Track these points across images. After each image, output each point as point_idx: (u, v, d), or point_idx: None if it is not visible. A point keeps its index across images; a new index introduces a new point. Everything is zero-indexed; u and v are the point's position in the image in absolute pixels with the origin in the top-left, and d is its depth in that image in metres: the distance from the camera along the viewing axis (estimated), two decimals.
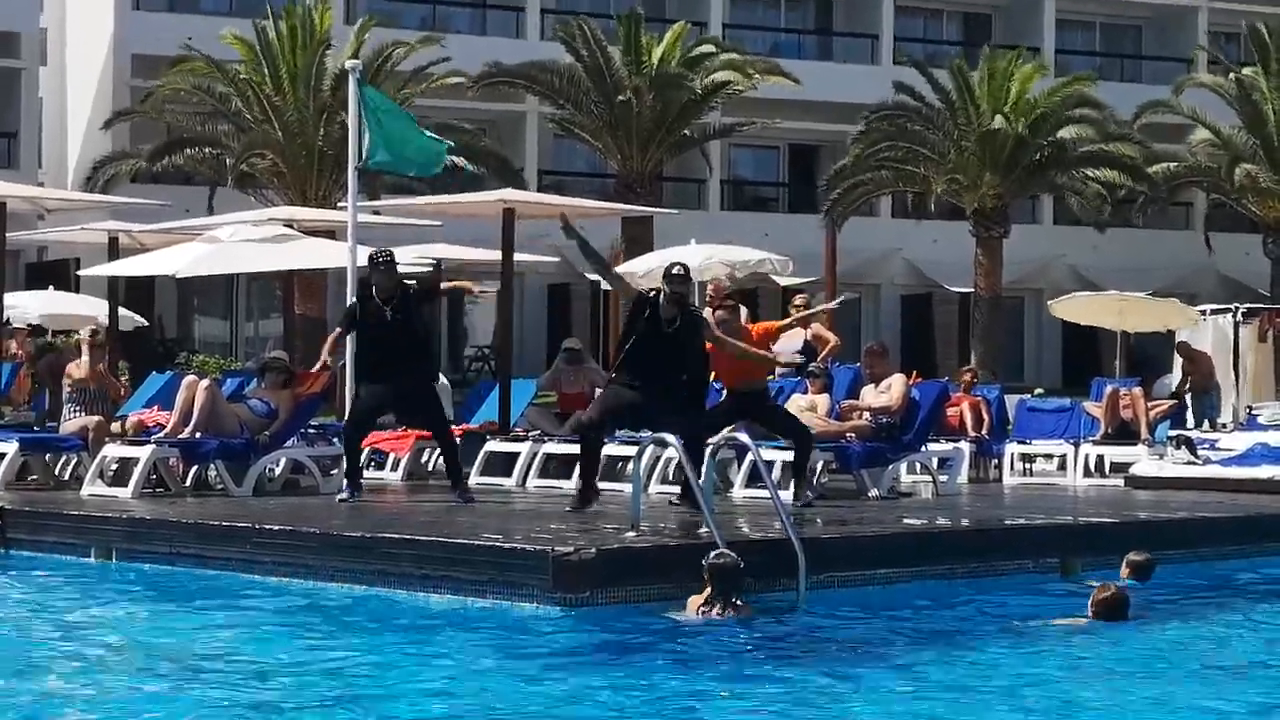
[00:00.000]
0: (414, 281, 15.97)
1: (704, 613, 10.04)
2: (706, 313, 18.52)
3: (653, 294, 13.46)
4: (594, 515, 13.08)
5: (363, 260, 16.19)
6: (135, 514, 13.21)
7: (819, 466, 15.71)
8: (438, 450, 18.92)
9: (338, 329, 14.72)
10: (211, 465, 15.63)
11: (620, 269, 23.76)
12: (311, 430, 17.69)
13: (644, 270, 23.50)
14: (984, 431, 20.18)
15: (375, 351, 14.22)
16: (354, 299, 14.88)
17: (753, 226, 38.90)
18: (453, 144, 16.95)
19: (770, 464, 14.62)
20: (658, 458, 15.76)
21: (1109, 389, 20.46)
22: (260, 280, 35.22)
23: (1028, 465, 20.86)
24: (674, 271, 13.51)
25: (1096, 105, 36.86)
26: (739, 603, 10.13)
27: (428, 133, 16.61)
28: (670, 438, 12.32)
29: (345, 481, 14.44)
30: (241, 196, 33.00)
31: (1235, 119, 39.33)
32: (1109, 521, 13.90)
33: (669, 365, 13.21)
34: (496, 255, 19.12)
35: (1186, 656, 9.70)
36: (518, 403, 18.10)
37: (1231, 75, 39.58)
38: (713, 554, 10.26)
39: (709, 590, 10.09)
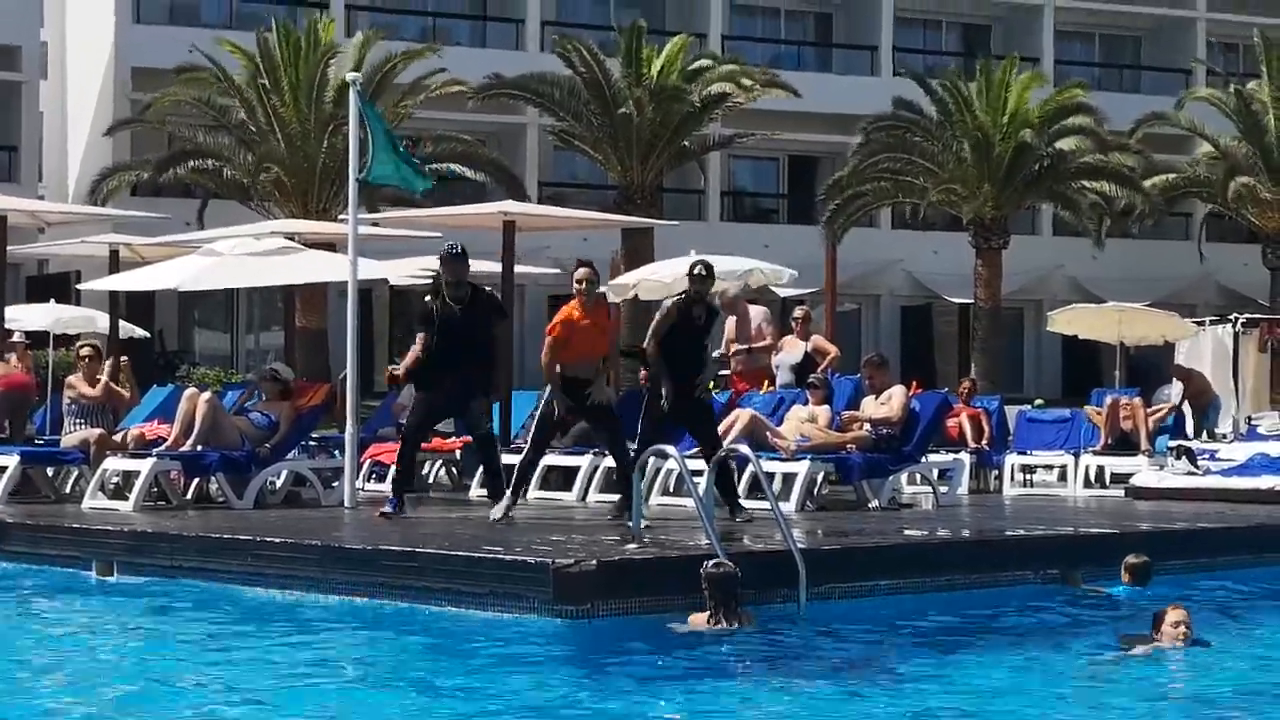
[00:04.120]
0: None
1: (711, 624, 10.04)
2: (730, 323, 18.71)
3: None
4: (595, 527, 13.12)
5: (364, 273, 16.19)
6: (136, 527, 13.21)
7: (819, 478, 15.73)
8: (439, 462, 19.03)
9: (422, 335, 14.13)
10: (213, 478, 15.63)
11: (617, 281, 23.82)
12: (312, 442, 17.72)
13: (634, 280, 23.55)
14: (984, 442, 20.19)
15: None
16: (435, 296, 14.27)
17: (752, 237, 38.91)
18: (434, 180, 16.76)
19: (771, 475, 14.66)
20: (658, 470, 15.78)
21: (1109, 399, 20.47)
22: (261, 293, 35.24)
23: (1028, 476, 20.86)
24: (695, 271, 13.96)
25: (1092, 112, 36.85)
26: (741, 611, 10.13)
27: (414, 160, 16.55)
28: (670, 449, 12.38)
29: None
30: (240, 209, 33.03)
31: (1234, 130, 39.38)
32: (1110, 532, 13.90)
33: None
34: (497, 267, 19.16)
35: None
36: (519, 414, 18.11)
37: (1232, 87, 39.65)
38: (709, 564, 10.27)
39: (709, 601, 10.09)
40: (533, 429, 14.60)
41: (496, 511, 13.58)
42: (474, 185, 34.36)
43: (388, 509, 13.98)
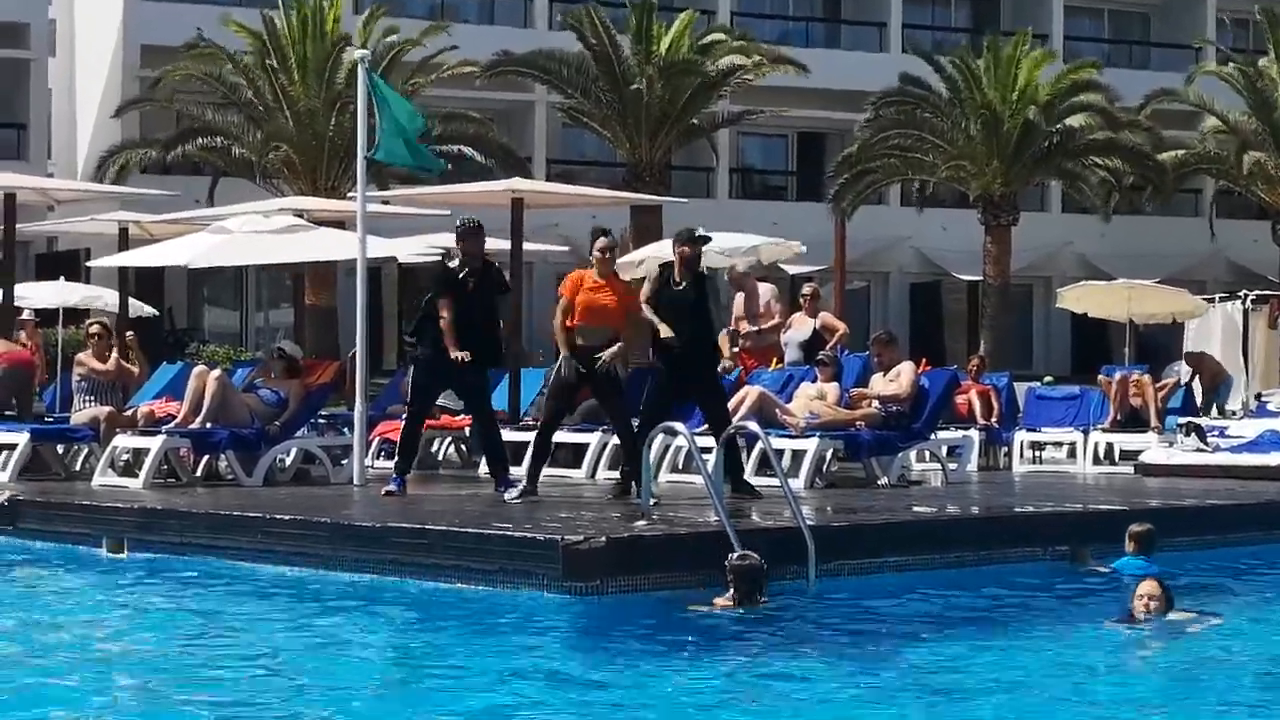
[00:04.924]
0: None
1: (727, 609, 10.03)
2: (739, 299, 18.71)
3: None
4: (604, 504, 13.14)
5: (373, 251, 16.19)
6: (146, 504, 13.26)
7: (828, 455, 15.73)
8: (448, 439, 19.03)
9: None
10: (222, 455, 15.65)
11: (624, 258, 23.80)
12: (321, 420, 17.74)
13: (642, 258, 23.55)
14: (993, 419, 20.20)
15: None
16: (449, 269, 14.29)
17: (761, 215, 38.90)
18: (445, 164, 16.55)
19: (780, 452, 14.66)
20: (667, 447, 15.79)
21: (1118, 374, 20.48)
22: (270, 270, 35.29)
23: (1037, 453, 20.86)
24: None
25: (1102, 90, 36.77)
26: (764, 600, 10.12)
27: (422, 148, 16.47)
28: (680, 426, 12.38)
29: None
30: (249, 186, 33.05)
31: (1244, 106, 39.30)
32: (1119, 509, 13.90)
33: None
34: (505, 245, 19.19)
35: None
36: (528, 392, 18.13)
37: (1231, 65, 39.56)
38: (734, 555, 10.19)
39: (733, 591, 10.05)
40: (547, 396, 14.54)
41: (511, 494, 13.56)
42: (481, 165, 34.31)
43: (392, 487, 13.99)
